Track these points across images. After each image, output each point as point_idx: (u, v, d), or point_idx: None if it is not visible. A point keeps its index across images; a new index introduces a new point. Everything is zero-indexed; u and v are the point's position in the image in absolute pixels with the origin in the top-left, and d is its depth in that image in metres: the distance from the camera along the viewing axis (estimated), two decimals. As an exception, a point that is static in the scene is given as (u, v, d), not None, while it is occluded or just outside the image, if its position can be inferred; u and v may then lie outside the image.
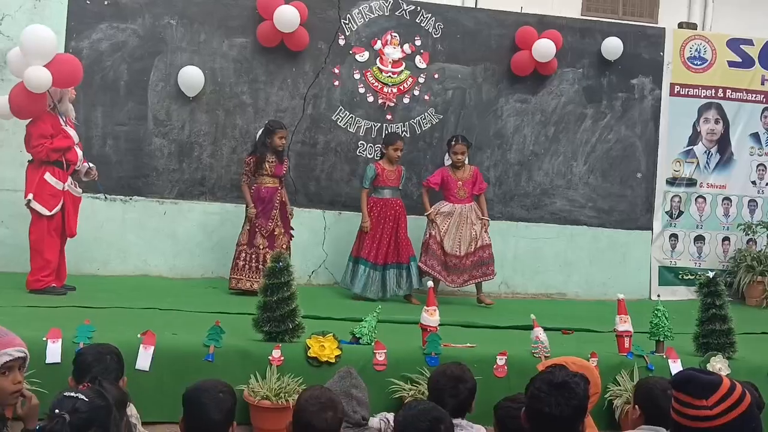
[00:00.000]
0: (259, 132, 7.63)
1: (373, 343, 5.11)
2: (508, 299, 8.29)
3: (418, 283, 7.66)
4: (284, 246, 7.39)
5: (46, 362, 4.50)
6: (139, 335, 4.82)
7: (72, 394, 2.36)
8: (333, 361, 4.88)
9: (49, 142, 6.42)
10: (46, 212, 6.44)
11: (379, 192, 7.72)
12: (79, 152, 6.73)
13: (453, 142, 7.78)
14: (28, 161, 6.56)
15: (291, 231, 7.60)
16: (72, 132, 6.68)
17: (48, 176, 6.44)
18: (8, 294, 6.28)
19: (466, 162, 7.85)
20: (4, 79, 7.45)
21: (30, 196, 6.39)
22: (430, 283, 5.54)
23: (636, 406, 3.39)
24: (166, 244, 8.03)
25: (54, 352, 4.56)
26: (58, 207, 6.50)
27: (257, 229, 7.36)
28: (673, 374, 2.62)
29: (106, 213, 7.74)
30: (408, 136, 8.44)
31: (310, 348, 4.90)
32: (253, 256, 7.32)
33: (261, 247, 7.33)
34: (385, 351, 5.03)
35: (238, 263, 7.32)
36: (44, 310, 5.76)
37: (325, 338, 4.95)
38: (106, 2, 7.85)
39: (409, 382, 4.93)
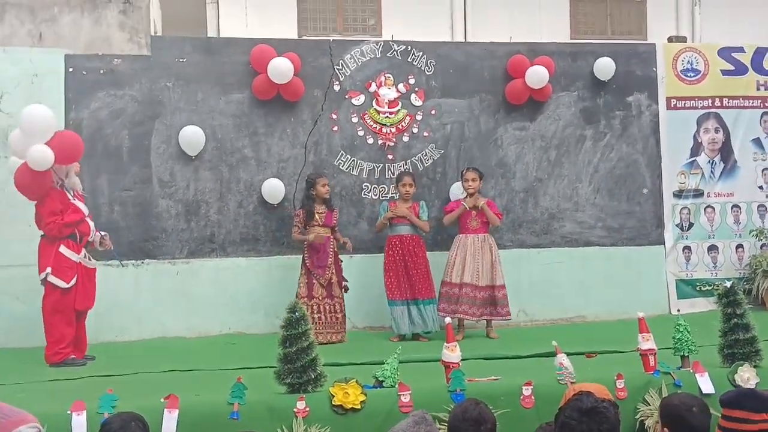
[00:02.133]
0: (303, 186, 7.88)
1: (396, 385, 5.06)
2: (528, 327, 8.23)
3: (434, 326, 7.67)
4: (340, 296, 7.48)
5: (73, 436, 4.49)
6: (162, 399, 4.79)
7: None
8: (358, 407, 4.83)
9: (60, 218, 6.47)
10: (64, 285, 6.47)
11: (396, 229, 7.78)
12: (91, 223, 6.81)
13: (464, 171, 7.93)
14: (41, 236, 6.60)
15: (345, 282, 7.66)
16: (81, 205, 6.74)
17: (63, 249, 6.48)
18: (28, 369, 6.28)
19: (479, 192, 7.90)
20: (7, 156, 7.53)
21: (48, 269, 6.43)
22: (448, 320, 5.51)
23: (663, 427, 3.34)
24: (182, 304, 8.02)
25: (79, 424, 4.52)
26: (74, 279, 6.54)
27: (315, 279, 7.41)
28: (722, 395, 2.59)
29: (120, 279, 7.74)
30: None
31: (334, 396, 4.86)
32: (314, 307, 7.31)
33: (321, 297, 7.36)
34: (410, 392, 4.96)
35: None
36: (66, 383, 5.75)
37: (348, 385, 4.90)
38: (101, 71, 7.96)
39: (437, 421, 4.86)
